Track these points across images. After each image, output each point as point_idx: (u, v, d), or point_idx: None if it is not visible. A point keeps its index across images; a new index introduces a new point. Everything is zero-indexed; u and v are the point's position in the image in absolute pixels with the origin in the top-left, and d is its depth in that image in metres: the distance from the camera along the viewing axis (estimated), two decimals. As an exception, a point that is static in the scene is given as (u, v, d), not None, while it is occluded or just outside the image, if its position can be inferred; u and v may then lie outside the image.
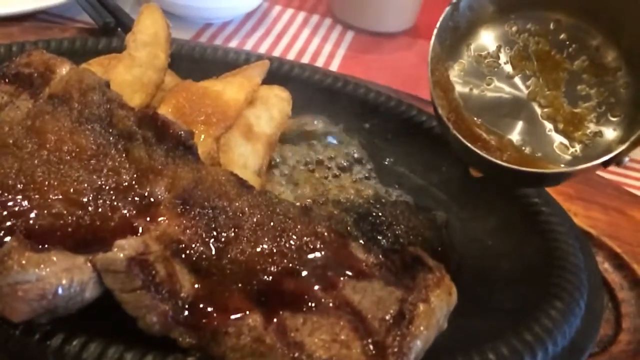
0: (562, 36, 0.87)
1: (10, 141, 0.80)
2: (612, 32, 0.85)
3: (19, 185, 0.74)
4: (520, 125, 0.89)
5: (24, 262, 0.61)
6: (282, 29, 1.68)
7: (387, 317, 0.66)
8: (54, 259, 0.63)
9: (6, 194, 0.71)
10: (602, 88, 0.85)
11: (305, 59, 1.56)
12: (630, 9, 0.83)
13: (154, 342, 0.67)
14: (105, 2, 1.34)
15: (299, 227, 0.79)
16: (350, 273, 0.74)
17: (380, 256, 0.77)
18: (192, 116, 0.94)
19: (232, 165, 0.92)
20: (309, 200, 0.96)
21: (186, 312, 0.67)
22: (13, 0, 1.44)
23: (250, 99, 1.05)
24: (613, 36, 0.85)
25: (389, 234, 0.91)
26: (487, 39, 0.91)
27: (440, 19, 0.87)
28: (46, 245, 0.67)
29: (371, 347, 0.64)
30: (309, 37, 1.67)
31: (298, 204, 0.96)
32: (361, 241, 0.83)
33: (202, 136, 0.94)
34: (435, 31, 0.87)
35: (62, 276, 0.62)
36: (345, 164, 1.07)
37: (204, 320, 0.67)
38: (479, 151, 0.82)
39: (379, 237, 0.90)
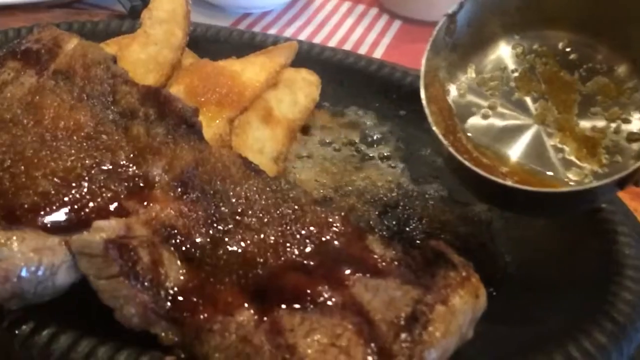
0: (572, 56, 0.80)
1: (8, 117, 0.76)
2: (623, 46, 0.77)
3: (6, 162, 0.69)
4: (527, 150, 0.79)
5: (-15, 239, 0.55)
6: (324, 19, 1.60)
7: (398, 320, 0.56)
8: (23, 237, 0.57)
9: (-11, 170, 0.66)
10: (618, 109, 0.76)
11: (346, 48, 1.47)
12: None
13: (134, 339, 0.59)
14: (137, -12, 1.30)
15: (309, 216, 0.70)
16: (363, 269, 0.64)
17: (401, 252, 0.67)
18: (205, 96, 0.87)
19: (245, 149, 0.84)
20: (330, 189, 0.86)
21: (169, 304, 0.59)
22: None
23: (274, 82, 0.97)
24: (624, 51, 0.77)
25: (417, 230, 0.80)
26: (491, 60, 0.83)
27: (435, 30, 0.78)
28: (22, 225, 0.61)
29: (375, 355, 0.53)
30: (352, 26, 1.58)
31: (319, 192, 0.87)
32: (381, 234, 0.72)
33: (217, 119, 0.87)
34: (429, 43, 0.78)
35: (29, 257, 0.56)
36: (375, 153, 0.97)
37: (188, 315, 0.58)
38: (479, 171, 0.71)
39: (404, 232, 0.79)
